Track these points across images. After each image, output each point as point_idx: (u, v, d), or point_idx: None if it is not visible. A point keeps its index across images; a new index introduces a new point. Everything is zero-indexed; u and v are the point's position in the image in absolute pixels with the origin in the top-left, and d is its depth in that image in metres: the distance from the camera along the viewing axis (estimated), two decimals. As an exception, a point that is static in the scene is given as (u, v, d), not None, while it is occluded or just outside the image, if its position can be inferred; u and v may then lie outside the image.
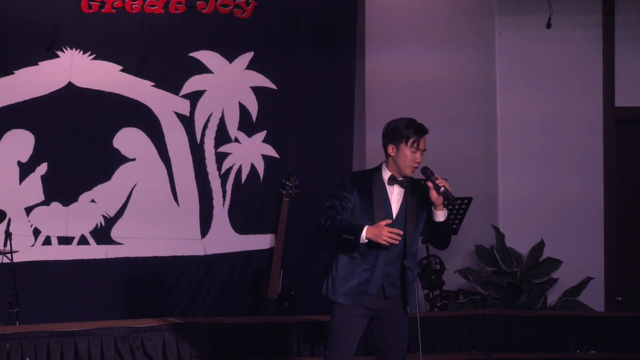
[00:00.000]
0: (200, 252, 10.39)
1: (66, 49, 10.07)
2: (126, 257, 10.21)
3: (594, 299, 10.45)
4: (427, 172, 6.33)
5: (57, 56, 10.06)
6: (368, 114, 10.71)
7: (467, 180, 10.56)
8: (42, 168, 10.06)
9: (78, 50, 10.11)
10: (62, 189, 10.09)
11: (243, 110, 10.48)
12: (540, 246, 10.40)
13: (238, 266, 10.46)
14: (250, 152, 10.51)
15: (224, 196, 10.44)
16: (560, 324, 9.22)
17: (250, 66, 10.50)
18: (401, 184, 6.40)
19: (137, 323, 8.72)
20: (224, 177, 10.45)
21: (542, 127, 10.68)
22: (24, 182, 10.05)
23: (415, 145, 6.35)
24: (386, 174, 6.42)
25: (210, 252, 10.40)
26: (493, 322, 9.18)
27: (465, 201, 10.07)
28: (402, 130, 6.37)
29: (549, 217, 10.61)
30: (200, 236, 10.40)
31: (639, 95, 10.79)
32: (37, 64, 10.04)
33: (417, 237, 6.47)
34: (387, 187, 6.40)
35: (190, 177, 10.38)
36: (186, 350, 8.58)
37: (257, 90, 10.51)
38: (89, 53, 10.13)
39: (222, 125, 10.44)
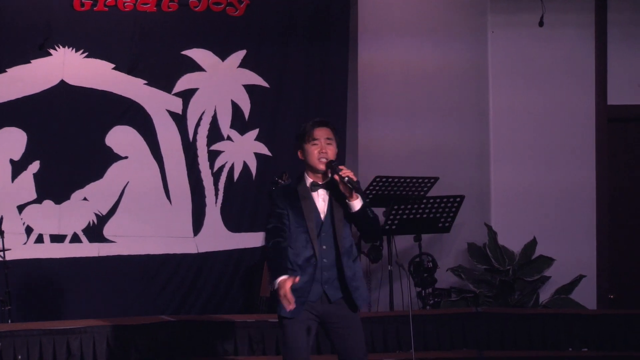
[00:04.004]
0: (192, 250, 10.38)
1: (58, 47, 10.06)
2: (118, 255, 10.20)
3: (586, 296, 10.46)
4: (333, 166, 6.36)
5: (50, 54, 10.05)
6: (361, 109, 10.71)
7: (460, 178, 10.57)
8: (35, 166, 10.04)
9: (70, 48, 10.09)
10: (54, 187, 10.08)
11: (235, 109, 10.47)
12: (532, 244, 10.42)
13: (230, 264, 10.45)
14: (243, 150, 10.50)
15: (216, 194, 10.43)
16: (553, 321, 9.23)
17: (243, 64, 10.49)
18: (323, 187, 6.43)
19: (129, 321, 8.72)
20: (216, 175, 10.44)
21: (535, 125, 10.69)
22: (16, 180, 10.03)
23: (311, 138, 6.38)
24: (308, 182, 6.46)
25: (202, 250, 10.39)
26: (485, 320, 9.18)
27: (458, 199, 10.07)
28: (300, 132, 6.45)
29: (542, 215, 10.62)
30: (192, 234, 10.39)
31: (632, 93, 10.81)
32: (30, 62, 10.03)
33: (348, 233, 6.48)
34: (312, 195, 6.43)
35: (183, 175, 10.37)
36: (178, 348, 8.58)
37: (250, 89, 10.50)
38: (82, 51, 10.12)
39: (214, 123, 10.43)
